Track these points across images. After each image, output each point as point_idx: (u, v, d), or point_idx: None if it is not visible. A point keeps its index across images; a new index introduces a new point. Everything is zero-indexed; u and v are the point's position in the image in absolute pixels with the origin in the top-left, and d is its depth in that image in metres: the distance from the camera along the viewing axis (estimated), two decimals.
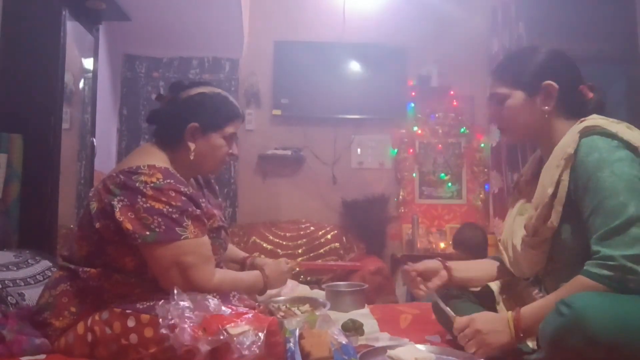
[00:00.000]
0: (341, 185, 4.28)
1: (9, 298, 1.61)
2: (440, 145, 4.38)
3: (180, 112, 1.52)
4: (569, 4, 4.35)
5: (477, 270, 1.55)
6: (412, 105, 4.35)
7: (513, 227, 1.40)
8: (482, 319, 1.26)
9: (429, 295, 1.49)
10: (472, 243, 2.82)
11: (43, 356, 1.33)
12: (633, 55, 4.34)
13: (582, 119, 1.27)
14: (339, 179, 4.30)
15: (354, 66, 4.31)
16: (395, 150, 4.35)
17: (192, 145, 1.50)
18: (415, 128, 4.37)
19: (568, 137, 1.23)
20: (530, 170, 1.46)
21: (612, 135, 1.17)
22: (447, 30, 4.25)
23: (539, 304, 1.19)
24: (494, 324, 1.23)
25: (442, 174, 4.36)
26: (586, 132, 1.20)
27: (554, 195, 1.21)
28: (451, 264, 1.53)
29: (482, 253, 2.85)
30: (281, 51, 4.28)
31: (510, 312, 1.23)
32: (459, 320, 1.29)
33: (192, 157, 1.50)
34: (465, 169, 4.38)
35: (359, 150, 4.35)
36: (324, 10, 4.30)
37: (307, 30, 4.28)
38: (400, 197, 4.33)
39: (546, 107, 1.31)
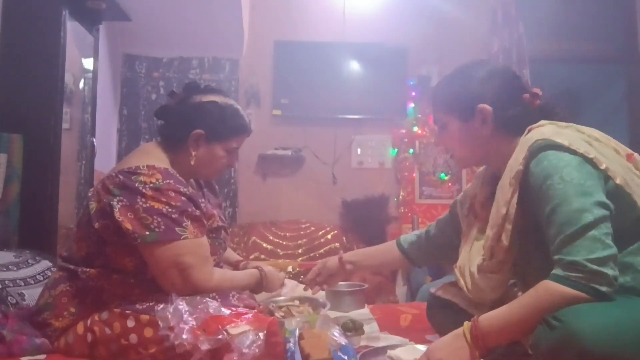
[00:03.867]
0: (341, 185, 4.28)
1: (9, 298, 1.61)
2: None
3: (188, 115, 1.51)
4: (568, 4, 4.35)
5: (377, 257, 1.75)
6: (412, 105, 4.35)
7: (470, 254, 1.34)
8: (436, 345, 1.19)
9: None
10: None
11: (43, 356, 1.33)
12: (633, 55, 4.34)
13: (530, 126, 1.24)
14: (339, 179, 4.29)
15: (354, 66, 4.30)
16: (396, 150, 4.35)
17: (193, 152, 1.50)
18: (415, 128, 4.37)
19: (517, 153, 1.19)
20: (483, 192, 1.39)
21: (561, 148, 1.13)
22: (447, 30, 4.25)
23: (501, 310, 1.12)
24: (447, 344, 1.15)
25: (442, 174, 4.36)
26: (535, 148, 1.16)
27: (507, 214, 1.18)
28: (348, 255, 1.72)
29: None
30: (281, 51, 4.28)
31: (466, 322, 1.15)
32: None
33: (192, 163, 1.50)
34: (465, 169, 4.38)
35: (359, 150, 4.35)
36: (324, 10, 4.30)
37: (307, 30, 4.28)
38: (400, 197, 4.33)
39: (484, 131, 1.27)
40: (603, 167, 1.12)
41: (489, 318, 1.13)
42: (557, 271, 1.05)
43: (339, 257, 1.70)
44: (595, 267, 1.01)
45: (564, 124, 1.23)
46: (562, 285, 1.03)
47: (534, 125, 1.24)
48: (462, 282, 1.35)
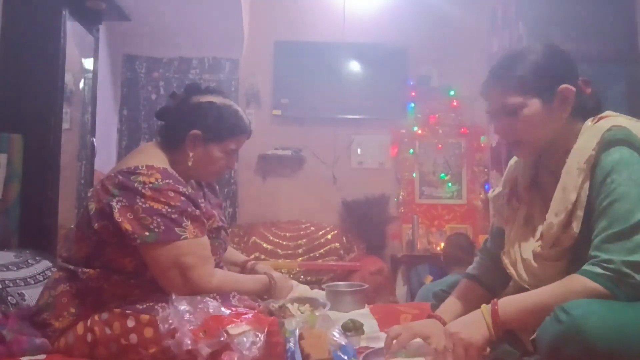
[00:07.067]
0: (341, 185, 4.28)
1: (9, 298, 1.61)
2: (440, 145, 4.38)
3: (186, 115, 1.51)
4: (569, 3, 4.35)
5: (467, 304, 1.38)
6: (412, 105, 4.35)
7: (519, 240, 1.29)
8: (455, 322, 1.20)
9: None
10: (460, 252, 2.95)
11: (43, 356, 1.33)
12: (633, 55, 4.34)
13: (600, 115, 1.20)
14: (339, 179, 4.30)
15: (354, 66, 4.31)
16: (396, 150, 4.36)
17: (191, 152, 1.50)
18: (415, 128, 4.37)
19: (589, 138, 1.16)
20: (527, 175, 1.35)
21: (633, 145, 1.11)
22: (447, 30, 4.26)
23: (523, 295, 1.14)
24: (466, 320, 1.17)
25: (442, 174, 4.36)
26: (611, 137, 1.13)
27: (578, 201, 1.13)
28: (443, 315, 1.35)
29: (469, 259, 2.94)
30: (281, 51, 4.28)
31: (484, 305, 1.16)
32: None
33: (190, 163, 1.49)
34: (465, 169, 4.38)
35: (359, 150, 4.35)
36: (324, 10, 4.30)
37: (307, 30, 4.28)
38: (400, 197, 4.33)
39: (563, 113, 1.21)
40: None
41: (510, 302, 1.14)
42: (590, 267, 1.06)
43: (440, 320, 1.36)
44: (628, 270, 1.01)
45: (634, 118, 1.21)
46: (592, 281, 1.04)
47: (603, 115, 1.21)
48: (512, 270, 1.27)
